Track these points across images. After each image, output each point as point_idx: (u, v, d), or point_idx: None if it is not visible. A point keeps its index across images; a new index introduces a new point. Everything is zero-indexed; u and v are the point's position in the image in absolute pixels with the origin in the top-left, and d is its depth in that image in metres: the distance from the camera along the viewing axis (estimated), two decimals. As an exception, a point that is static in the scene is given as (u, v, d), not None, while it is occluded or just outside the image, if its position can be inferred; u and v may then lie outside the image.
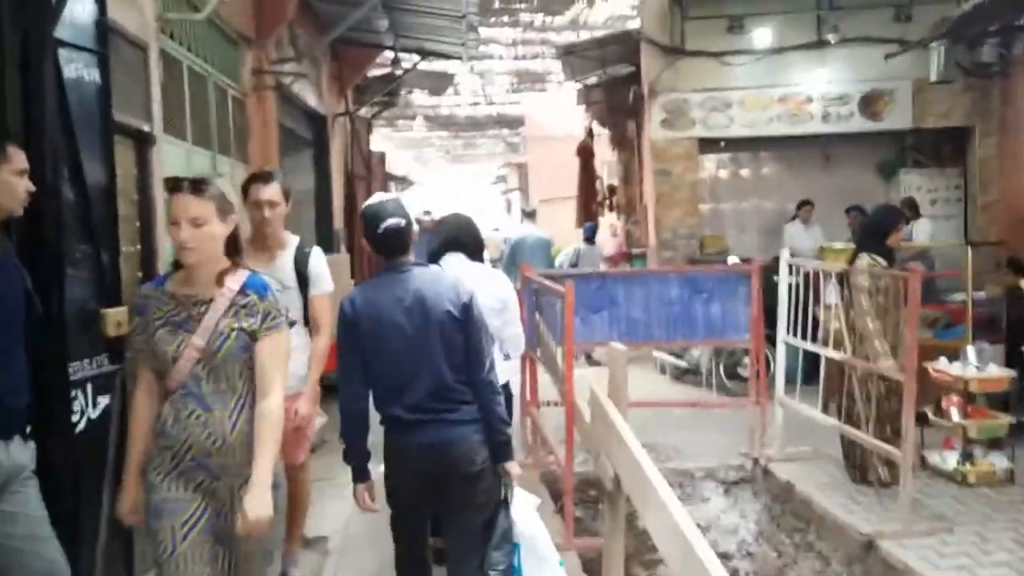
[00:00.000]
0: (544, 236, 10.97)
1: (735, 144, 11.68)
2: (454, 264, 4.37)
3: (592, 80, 14.21)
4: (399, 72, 11.81)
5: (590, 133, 15.24)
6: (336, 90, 11.19)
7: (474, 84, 22.49)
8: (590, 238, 13.78)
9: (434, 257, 4.45)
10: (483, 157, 38.51)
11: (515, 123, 27.92)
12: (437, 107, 24.83)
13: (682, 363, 10.10)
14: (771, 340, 7.05)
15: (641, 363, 10.46)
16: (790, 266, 6.80)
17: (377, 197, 3.67)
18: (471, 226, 4.71)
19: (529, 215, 12.27)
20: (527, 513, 3.55)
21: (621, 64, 13.56)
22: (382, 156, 14.94)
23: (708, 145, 11.60)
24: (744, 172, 12.32)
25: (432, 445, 3.32)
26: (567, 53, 12.91)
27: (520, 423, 7.24)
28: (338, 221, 11.09)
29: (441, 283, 3.43)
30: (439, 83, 16.93)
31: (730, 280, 7.01)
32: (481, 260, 4.68)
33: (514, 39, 17.84)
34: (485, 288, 4.09)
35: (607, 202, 15.14)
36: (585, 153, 14.83)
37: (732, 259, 10.11)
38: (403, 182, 31.56)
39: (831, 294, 6.63)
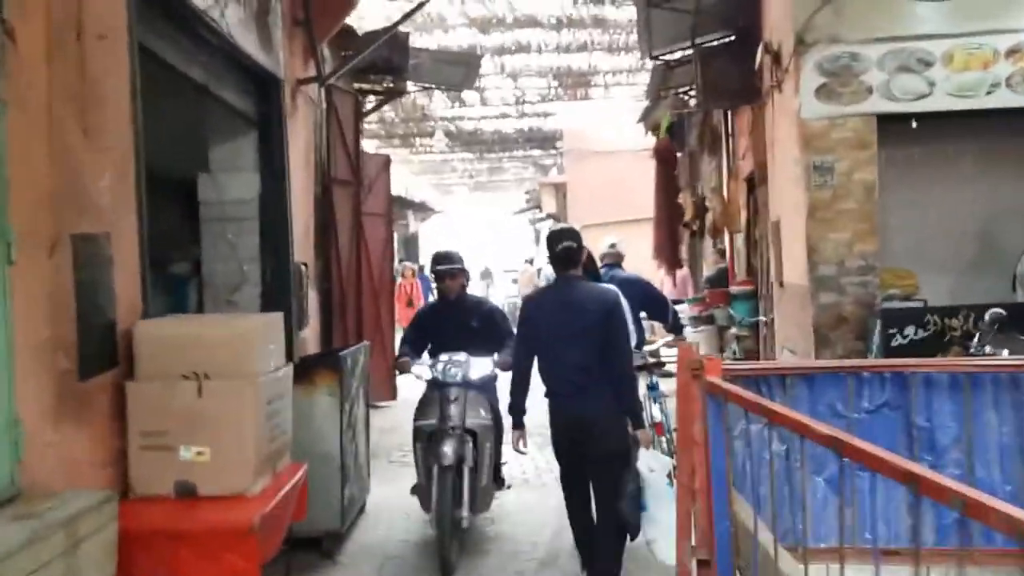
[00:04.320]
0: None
1: (934, 124, 7.14)
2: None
3: (679, 55, 9.82)
4: (398, 15, 7.42)
5: (669, 130, 10.77)
6: (300, 44, 6.83)
7: (504, 91, 18.17)
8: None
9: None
10: (510, 184, 34.25)
11: (547, 141, 23.56)
12: (459, 119, 20.52)
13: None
14: None
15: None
16: None
17: (557, 225, 5.33)
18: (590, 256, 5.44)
19: (612, 255, 7.85)
20: (653, 466, 4.34)
21: (724, 28, 9.17)
22: (386, 161, 10.54)
23: (891, 126, 7.11)
24: (927, 168, 7.80)
25: (573, 411, 4.40)
26: (651, 4, 8.51)
27: None
28: (302, 251, 6.66)
29: (593, 292, 4.57)
30: (462, 74, 12.57)
31: None
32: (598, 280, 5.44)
33: (559, 18, 13.52)
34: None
35: (697, 222, 10.62)
36: (665, 157, 10.36)
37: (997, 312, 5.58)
38: (422, 209, 27.22)
39: None
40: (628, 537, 4.44)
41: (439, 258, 5.74)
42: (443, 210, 31.34)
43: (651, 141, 15.70)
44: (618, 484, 4.29)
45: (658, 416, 6.48)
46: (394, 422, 9.86)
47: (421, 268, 22.17)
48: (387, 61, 8.88)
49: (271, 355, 3.79)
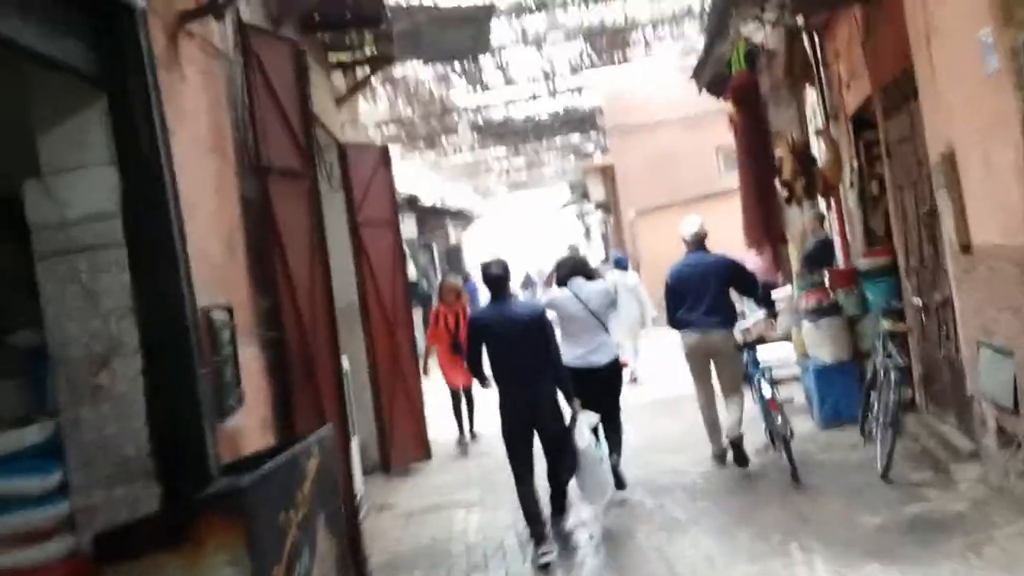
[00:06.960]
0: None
1: None
2: (579, 283, 6.59)
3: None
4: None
5: (750, 60, 7.97)
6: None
7: (529, 65, 15.51)
8: (621, 264, 11.73)
9: (562, 281, 6.73)
10: (551, 180, 31.55)
11: (586, 122, 20.82)
12: (485, 108, 17.91)
13: None
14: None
15: None
16: None
17: (488, 259, 6.24)
18: (584, 261, 7.60)
19: (695, 241, 6.12)
20: (585, 430, 5.66)
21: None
22: (382, 153, 7.98)
23: None
24: None
25: (527, 397, 5.58)
26: None
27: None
28: (219, 286, 4.07)
29: (525, 307, 6.17)
30: (471, 36, 9.95)
31: None
32: (592, 278, 6.81)
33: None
34: (596, 293, 6.59)
35: (800, 179, 7.79)
36: (746, 94, 7.60)
37: None
38: (458, 217, 24.62)
39: None
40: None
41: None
42: (483, 215, 28.74)
43: (706, 102, 12.92)
44: (563, 449, 5.64)
45: (768, 393, 6.35)
46: (427, 497, 7.25)
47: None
48: (356, 9, 6.31)
49: None
